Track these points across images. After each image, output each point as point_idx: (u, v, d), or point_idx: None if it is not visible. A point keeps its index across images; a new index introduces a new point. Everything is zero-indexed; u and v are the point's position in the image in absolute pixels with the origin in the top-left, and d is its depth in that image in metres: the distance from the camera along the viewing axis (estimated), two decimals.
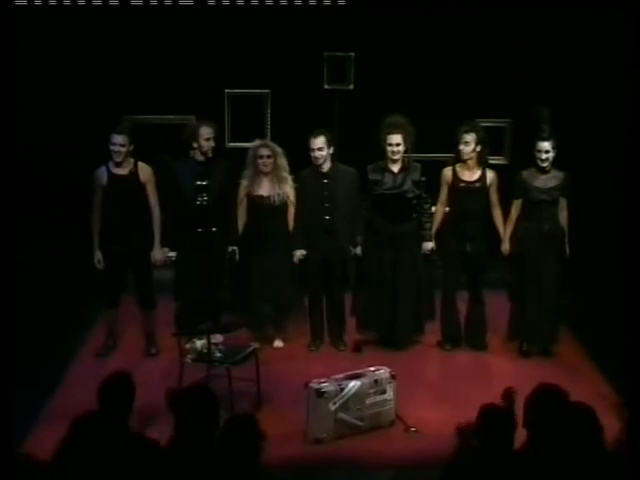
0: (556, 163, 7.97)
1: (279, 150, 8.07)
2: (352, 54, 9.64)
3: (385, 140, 7.96)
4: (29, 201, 8.78)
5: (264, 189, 8.07)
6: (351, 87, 9.74)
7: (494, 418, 4.45)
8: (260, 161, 8.01)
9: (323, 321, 8.39)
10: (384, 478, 6.29)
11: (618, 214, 8.26)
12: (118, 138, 7.72)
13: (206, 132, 7.98)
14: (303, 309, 8.41)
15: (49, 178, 9.15)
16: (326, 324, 8.39)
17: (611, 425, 4.61)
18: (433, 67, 9.62)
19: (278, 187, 8.05)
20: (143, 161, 7.94)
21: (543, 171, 7.92)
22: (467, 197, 8.04)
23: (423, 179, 8.07)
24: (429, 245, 8.17)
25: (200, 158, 8.02)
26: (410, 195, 8.05)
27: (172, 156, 8.33)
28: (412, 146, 8.01)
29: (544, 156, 7.85)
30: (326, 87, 9.74)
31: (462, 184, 8.06)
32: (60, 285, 8.69)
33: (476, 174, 8.07)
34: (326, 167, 8.07)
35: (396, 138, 7.93)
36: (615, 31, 8.23)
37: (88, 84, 9.31)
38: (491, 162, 8.34)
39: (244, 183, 8.10)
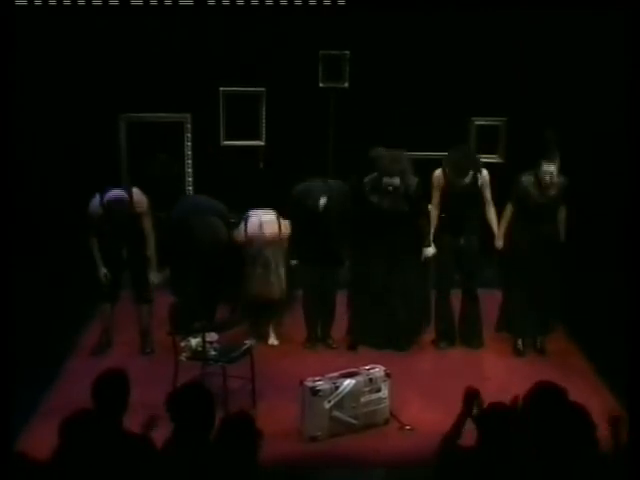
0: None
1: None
2: (347, 52, 9.65)
3: (382, 176, 7.83)
4: (26, 200, 8.76)
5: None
6: (346, 85, 9.75)
7: (498, 416, 4.46)
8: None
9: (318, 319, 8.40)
10: (379, 476, 6.30)
11: (615, 213, 8.27)
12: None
13: None
14: (292, 307, 8.42)
15: (47, 175, 9.15)
16: (316, 320, 8.36)
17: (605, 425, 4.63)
18: (428, 65, 9.62)
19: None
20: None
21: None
22: (461, 196, 8.03)
23: (418, 182, 8.00)
24: (430, 251, 8.11)
25: None
26: (406, 212, 7.98)
27: (168, 154, 8.35)
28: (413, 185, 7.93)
29: (548, 178, 7.83)
30: (321, 85, 9.76)
31: (456, 182, 8.03)
32: (56, 283, 8.68)
33: (468, 175, 8.06)
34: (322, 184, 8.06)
35: (394, 180, 7.82)
36: (614, 31, 8.24)
37: (85, 82, 9.31)
38: (486, 161, 8.34)
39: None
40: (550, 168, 7.83)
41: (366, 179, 7.96)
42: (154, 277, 8.06)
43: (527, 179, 7.95)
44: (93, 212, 7.80)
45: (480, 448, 4.42)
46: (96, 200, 7.81)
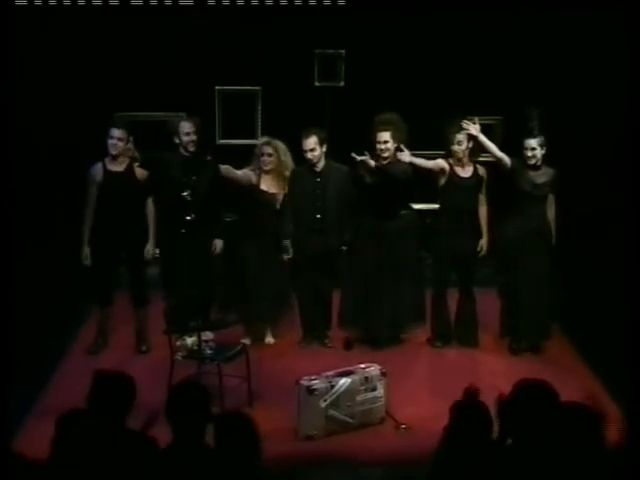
0: (547, 160, 7.99)
1: (283, 148, 8.06)
2: (343, 51, 9.67)
3: (375, 138, 7.95)
4: (24, 198, 8.75)
5: (272, 187, 8.09)
6: (342, 84, 9.77)
7: (468, 414, 4.46)
8: (262, 159, 8.02)
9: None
10: (374, 475, 6.31)
11: (610, 212, 8.28)
12: (116, 131, 7.84)
13: (184, 127, 8.01)
14: (292, 305, 8.41)
15: (45, 175, 9.14)
16: (311, 319, 8.37)
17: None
18: (424, 64, 9.64)
19: (283, 187, 8.09)
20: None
21: (533, 168, 7.94)
22: (461, 192, 8.05)
23: (409, 172, 8.01)
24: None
25: (185, 153, 8.02)
26: (398, 190, 8.01)
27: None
28: (404, 142, 7.97)
29: (530, 153, 7.89)
30: (317, 84, 9.78)
31: (457, 179, 8.06)
32: (52, 282, 8.68)
33: (469, 170, 8.09)
34: (320, 165, 8.06)
35: (384, 136, 7.91)
36: (605, 29, 8.25)
37: (82, 81, 9.31)
38: (481, 159, 8.36)
39: (251, 175, 8.04)
40: (531, 143, 7.87)
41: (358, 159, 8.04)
42: (150, 249, 8.04)
43: (516, 161, 7.97)
44: (94, 178, 7.83)
45: (467, 446, 4.41)
46: (98, 166, 7.84)
